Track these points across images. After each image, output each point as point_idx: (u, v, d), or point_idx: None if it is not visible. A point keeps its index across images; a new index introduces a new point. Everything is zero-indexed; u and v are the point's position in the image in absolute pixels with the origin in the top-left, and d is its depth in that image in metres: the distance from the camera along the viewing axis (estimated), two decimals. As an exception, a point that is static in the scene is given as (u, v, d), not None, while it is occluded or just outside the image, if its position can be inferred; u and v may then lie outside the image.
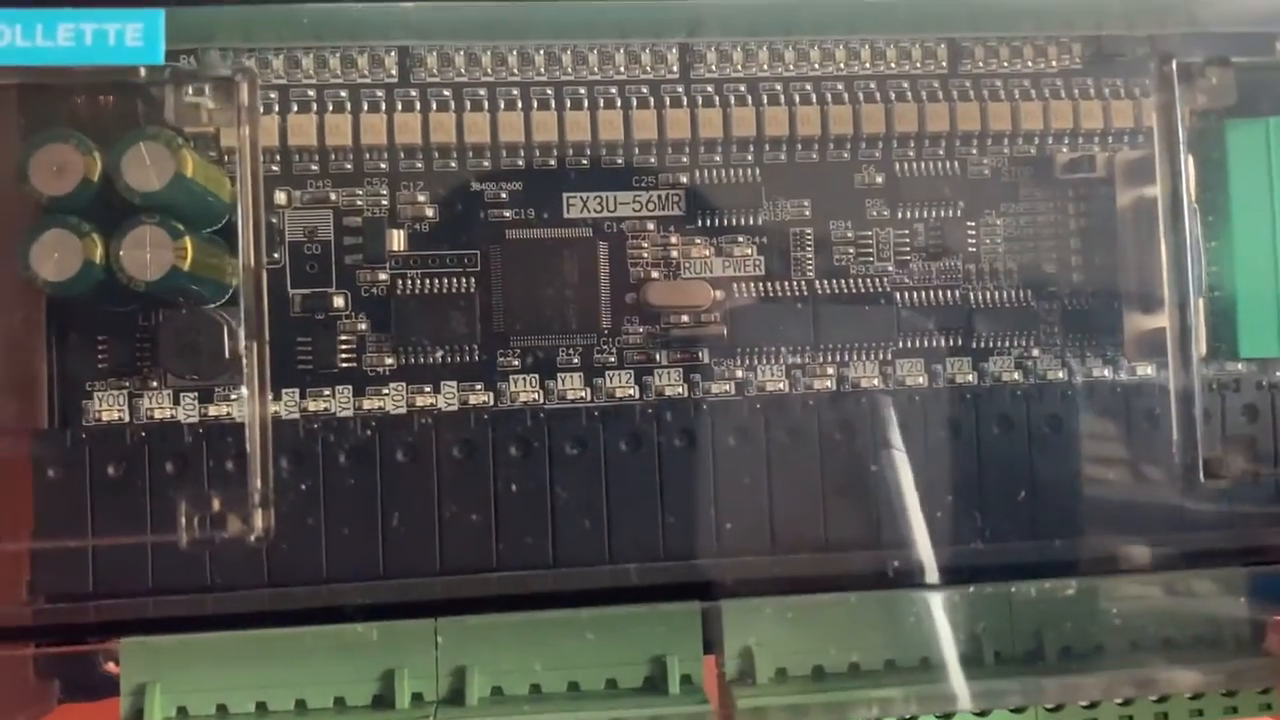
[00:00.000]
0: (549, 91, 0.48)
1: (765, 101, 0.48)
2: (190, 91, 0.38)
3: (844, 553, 0.44)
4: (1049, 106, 0.49)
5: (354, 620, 0.41)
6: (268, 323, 0.44)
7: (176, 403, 0.46)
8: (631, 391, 0.48)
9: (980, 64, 0.49)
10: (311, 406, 0.46)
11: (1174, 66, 0.45)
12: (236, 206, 0.45)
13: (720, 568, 0.44)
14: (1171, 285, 0.44)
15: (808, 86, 0.49)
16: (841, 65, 0.49)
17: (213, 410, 0.46)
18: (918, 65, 0.49)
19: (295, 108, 0.47)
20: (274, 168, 0.47)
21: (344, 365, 0.46)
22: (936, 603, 0.43)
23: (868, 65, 0.49)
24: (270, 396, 0.45)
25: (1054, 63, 0.50)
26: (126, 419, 0.45)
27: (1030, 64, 0.50)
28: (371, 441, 0.43)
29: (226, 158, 0.46)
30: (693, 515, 0.44)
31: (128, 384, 0.46)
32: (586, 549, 0.44)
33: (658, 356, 0.48)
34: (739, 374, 0.48)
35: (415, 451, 0.44)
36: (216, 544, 0.37)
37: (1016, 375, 0.49)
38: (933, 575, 0.43)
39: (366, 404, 0.47)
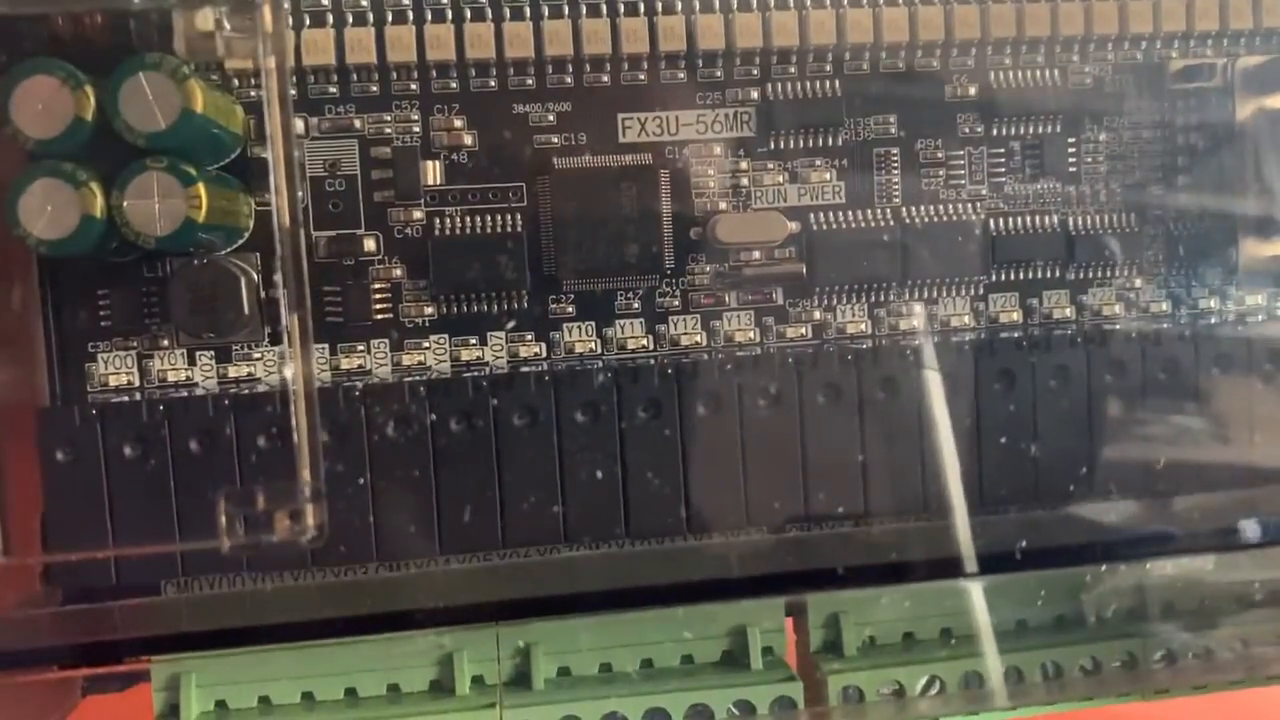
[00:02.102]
0: (600, -5, 0.41)
1: (845, 3, 0.42)
2: (200, 18, 0.32)
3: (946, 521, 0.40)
4: (1159, 5, 0.43)
5: (417, 624, 0.37)
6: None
7: (192, 363, 0.41)
8: (699, 339, 0.43)
9: (1085, -43, 0.44)
10: (344, 364, 0.41)
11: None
12: (249, 139, 0.40)
13: (808, 543, 0.40)
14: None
15: (893, -15, 0.43)
16: (932, -40, 0.43)
17: (232, 371, 0.41)
18: (1016, -41, 0.43)
19: (309, 21, 0.40)
20: (289, 91, 0.40)
21: (378, 317, 0.41)
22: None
23: (961, -40, 0.43)
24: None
25: (1166, -47, 0.44)
26: (137, 382, 0.40)
27: (1140, -44, 0.44)
28: (421, 409, 0.38)
29: (237, 81, 0.40)
30: (777, 479, 0.40)
31: (135, 344, 0.40)
32: (661, 519, 0.40)
33: (727, 299, 0.43)
34: (817, 315, 0.43)
35: (469, 418, 0.39)
36: (263, 548, 0.32)
37: (1118, 309, 0.45)
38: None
39: (405, 359, 0.42)
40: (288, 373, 0.32)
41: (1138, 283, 0.45)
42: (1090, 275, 0.44)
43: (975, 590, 0.40)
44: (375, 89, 0.41)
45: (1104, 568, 0.40)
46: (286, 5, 0.40)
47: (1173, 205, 0.45)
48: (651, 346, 0.43)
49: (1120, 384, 0.42)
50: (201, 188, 0.36)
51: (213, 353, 0.41)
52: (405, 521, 0.38)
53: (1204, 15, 0.44)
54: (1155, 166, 0.45)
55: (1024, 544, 0.39)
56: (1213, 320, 0.45)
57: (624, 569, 0.40)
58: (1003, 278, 0.44)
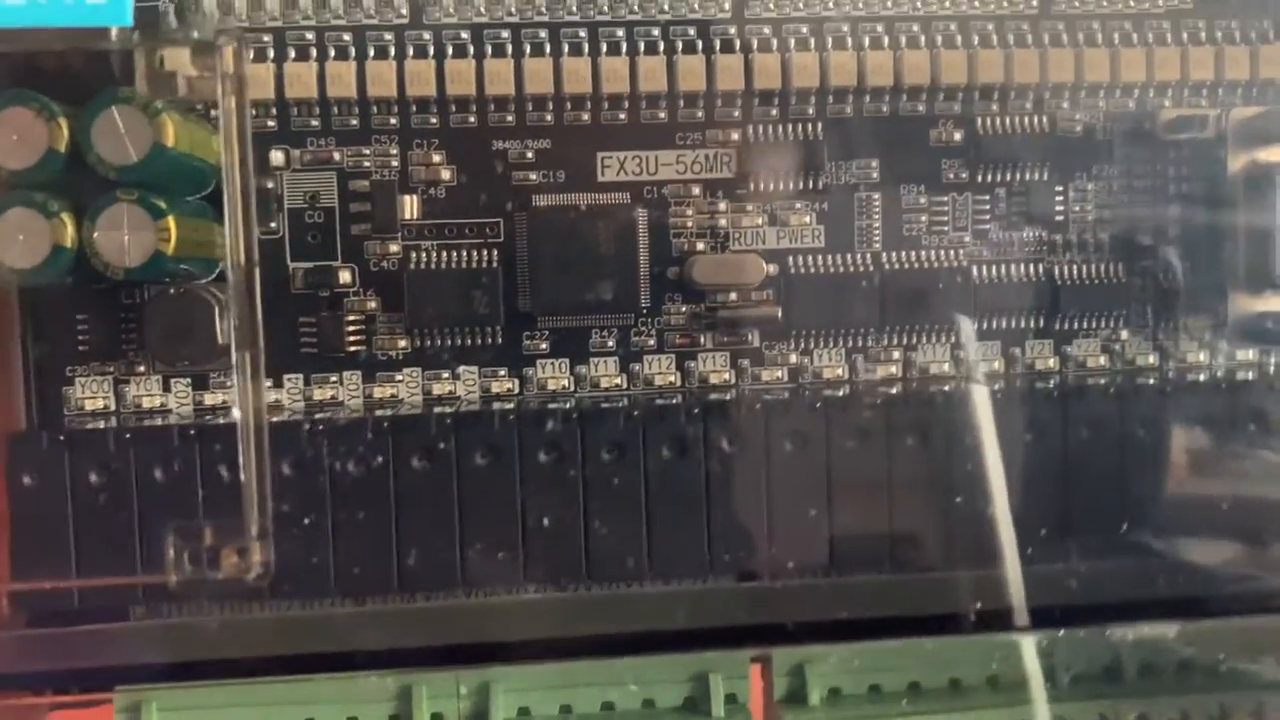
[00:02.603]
0: (582, 34, 0.41)
1: (830, 46, 0.42)
2: (166, 58, 0.32)
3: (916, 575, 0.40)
4: (1152, 54, 0.43)
5: (365, 665, 0.37)
6: (265, 300, 0.39)
7: (167, 390, 0.41)
8: (673, 379, 0.43)
9: (1076, 3, 0.43)
10: (317, 395, 0.42)
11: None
12: (223, 171, 0.40)
13: (773, 595, 0.40)
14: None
15: (879, 28, 0.42)
16: (918, 4, 0.42)
17: (208, 399, 0.41)
18: (1005, 4, 0.43)
19: (293, 54, 0.41)
20: (270, 123, 0.41)
21: (352, 349, 0.41)
22: (1029, 645, 0.38)
23: (948, 4, 0.42)
24: (268, 384, 0.41)
25: (1160, 2, 0.43)
26: (113, 407, 0.41)
27: (1133, 3, 0.43)
28: (383, 444, 0.38)
29: (213, 111, 0.41)
30: (740, 528, 0.40)
31: (112, 369, 0.41)
32: (622, 563, 0.39)
33: (702, 340, 0.43)
34: (793, 359, 0.43)
35: (431, 455, 0.39)
36: (209, 585, 0.32)
37: (1102, 360, 0.44)
38: (1022, 618, 0.38)
39: (377, 391, 0.42)
40: (235, 413, 0.32)
41: (1124, 334, 0.44)
42: (1075, 326, 0.44)
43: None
44: (355, 123, 0.41)
45: (1062, 632, 0.39)
46: (268, 40, 0.40)
47: (1162, 256, 0.44)
48: (625, 385, 0.43)
49: (1098, 438, 0.41)
50: (171, 220, 0.36)
51: (189, 380, 0.41)
52: (365, 558, 0.38)
53: (1198, 65, 0.43)
54: (1145, 217, 0.44)
55: (979, 606, 0.39)
56: (1201, 376, 0.44)
57: (584, 613, 0.40)
58: (985, 326, 0.43)
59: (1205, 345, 0.44)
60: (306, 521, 0.37)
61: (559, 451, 0.39)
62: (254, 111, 0.40)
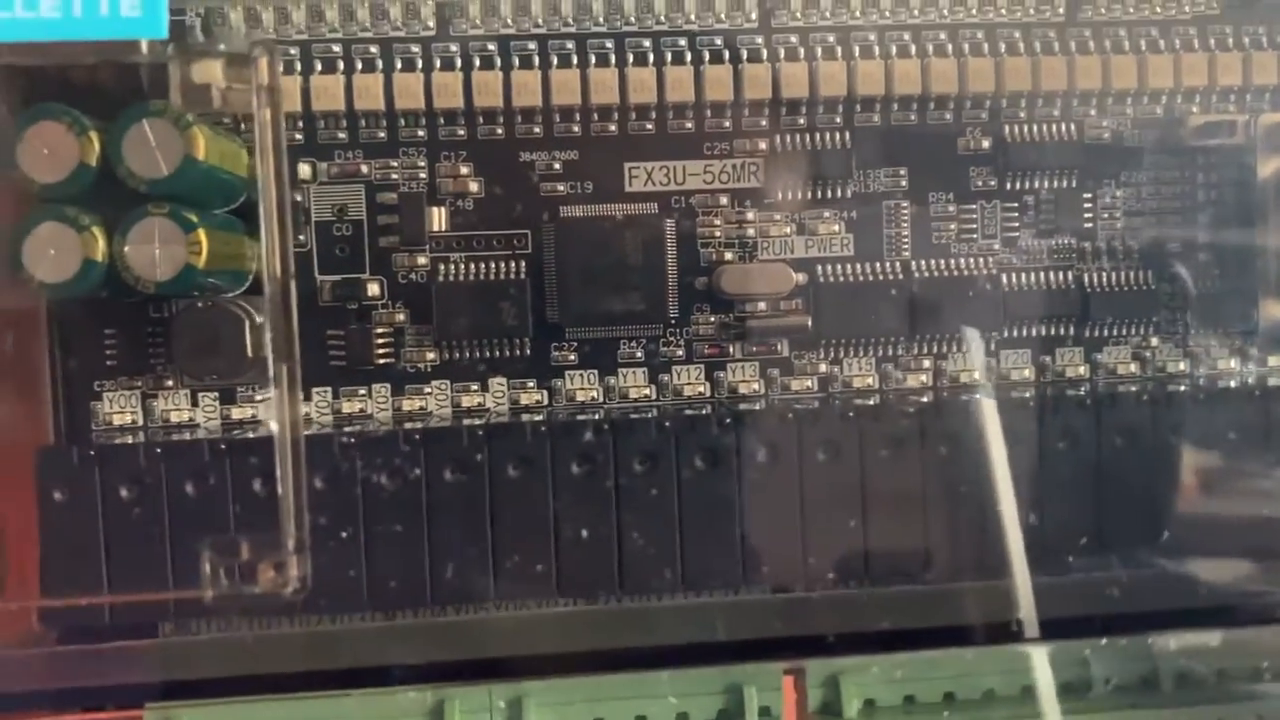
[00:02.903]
0: (609, 45, 0.41)
1: (857, 55, 0.42)
2: (197, 70, 0.32)
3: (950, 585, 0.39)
4: (1180, 60, 0.43)
5: (401, 681, 0.37)
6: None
7: (195, 404, 0.41)
8: (702, 389, 0.42)
9: (1103, 10, 0.43)
10: (345, 408, 0.41)
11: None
12: (256, 184, 0.40)
13: (807, 607, 0.39)
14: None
15: (905, 37, 0.42)
16: (945, 12, 0.42)
17: (235, 413, 0.41)
18: (1031, 12, 0.43)
19: (320, 67, 0.41)
20: (297, 136, 0.41)
21: (380, 362, 0.41)
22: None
23: (975, 12, 0.42)
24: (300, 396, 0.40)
25: (1187, 8, 0.43)
26: (140, 422, 0.41)
27: (1159, 10, 0.43)
28: (415, 457, 0.38)
29: (244, 125, 0.41)
30: (771, 538, 0.39)
31: (140, 383, 0.41)
32: (656, 577, 0.39)
33: (731, 350, 0.43)
34: (823, 368, 0.43)
35: (464, 467, 0.38)
36: (245, 600, 0.32)
37: (1133, 368, 0.44)
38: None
39: (406, 404, 0.42)
40: (273, 425, 0.32)
41: (1154, 341, 0.44)
42: (1105, 333, 0.43)
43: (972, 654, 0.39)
44: (383, 135, 0.41)
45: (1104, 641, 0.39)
46: (295, 53, 0.40)
47: (1191, 263, 0.44)
48: (654, 396, 0.42)
49: (1130, 445, 0.41)
50: (202, 234, 0.36)
51: (216, 394, 0.41)
52: (397, 572, 0.38)
53: (1226, 70, 0.43)
54: (1174, 224, 0.44)
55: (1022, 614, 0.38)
56: (1232, 383, 0.43)
57: (618, 626, 0.39)
58: (1015, 334, 0.43)
59: (1236, 352, 0.44)
60: (342, 535, 0.37)
61: (591, 463, 0.39)
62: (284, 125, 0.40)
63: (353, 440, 0.38)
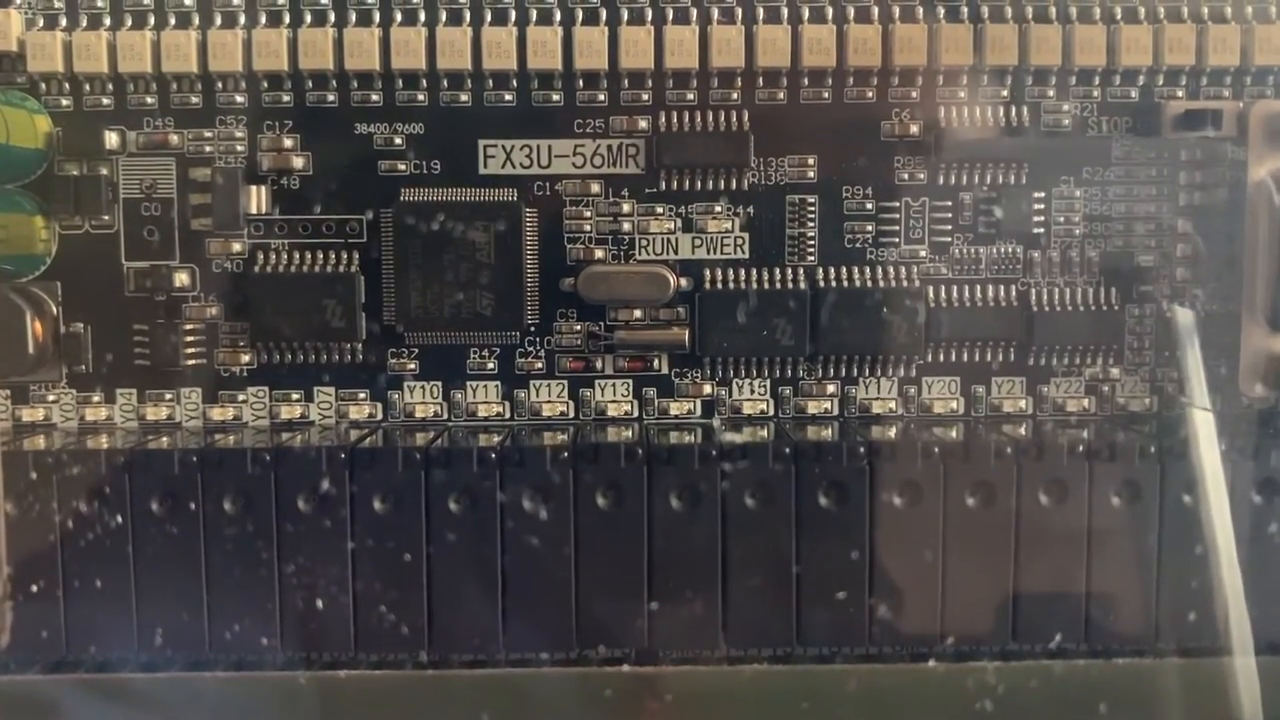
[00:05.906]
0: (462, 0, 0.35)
1: (760, 18, 0.35)
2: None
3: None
4: (1162, 33, 0.35)
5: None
6: (98, 301, 0.35)
7: (-20, 405, 0.36)
8: (563, 409, 0.36)
9: (1067, -32, 0.35)
10: (151, 414, 0.36)
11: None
12: (55, 156, 0.35)
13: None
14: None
15: (820, -2, 0.35)
16: (869, -32, 0.35)
17: (26, 414, 0.36)
18: (977, -32, 0.35)
19: (129, 21, 0.35)
20: (104, 100, 0.35)
21: (190, 363, 0.36)
22: None
23: (907, -32, 0.35)
24: (98, 399, 0.36)
25: (1174, -33, 0.35)
26: (-84, 422, 0.36)
27: (1139, -32, 0.35)
28: (190, 482, 0.33)
29: (45, 87, 0.35)
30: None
31: (-88, 381, 0.36)
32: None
33: (599, 364, 0.36)
34: (706, 390, 0.36)
35: (248, 497, 0.33)
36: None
37: (1086, 403, 0.36)
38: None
39: (217, 414, 0.36)
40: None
41: (1114, 373, 0.36)
42: (1053, 361, 0.36)
43: None
44: (196, 101, 0.36)
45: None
46: (103, 4, 0.35)
47: (1164, 280, 0.36)
48: (506, 415, 0.36)
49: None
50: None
51: (8, 393, 0.36)
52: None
53: (1220, 47, 0.35)
54: (1145, 231, 0.36)
55: None
56: (1205, 426, 0.36)
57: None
58: (940, 359, 0.36)
59: (1215, 388, 0.36)
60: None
61: (399, 499, 0.33)
62: (88, 88, 0.35)
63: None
